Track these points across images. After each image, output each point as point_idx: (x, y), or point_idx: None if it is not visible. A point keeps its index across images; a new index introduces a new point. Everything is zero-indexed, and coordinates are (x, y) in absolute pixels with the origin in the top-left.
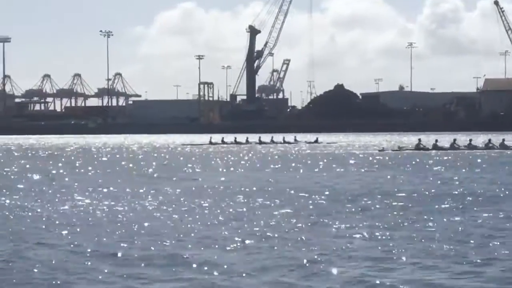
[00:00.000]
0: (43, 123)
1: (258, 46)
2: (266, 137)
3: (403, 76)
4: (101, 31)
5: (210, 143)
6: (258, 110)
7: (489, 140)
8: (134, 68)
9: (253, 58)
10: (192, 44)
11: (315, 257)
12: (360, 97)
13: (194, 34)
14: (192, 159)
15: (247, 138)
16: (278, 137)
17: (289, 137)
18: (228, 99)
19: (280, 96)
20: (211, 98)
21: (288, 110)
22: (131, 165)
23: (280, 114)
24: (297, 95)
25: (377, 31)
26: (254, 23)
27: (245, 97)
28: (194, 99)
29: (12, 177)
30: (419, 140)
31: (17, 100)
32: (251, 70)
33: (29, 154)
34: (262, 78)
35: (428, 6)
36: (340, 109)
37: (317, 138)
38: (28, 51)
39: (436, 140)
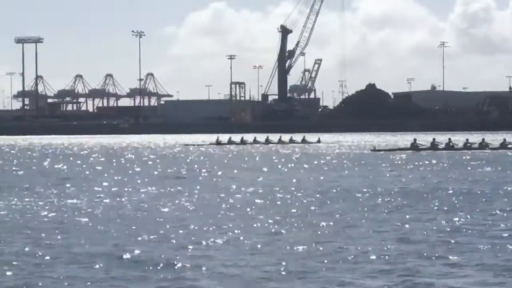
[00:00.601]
0: (75, 123)
1: (290, 46)
2: (288, 137)
3: (435, 76)
4: (133, 31)
5: (217, 143)
6: (289, 110)
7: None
8: (166, 68)
9: (284, 58)
10: (223, 44)
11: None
12: (392, 96)
13: (225, 34)
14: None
15: (255, 137)
16: (287, 137)
17: (311, 137)
18: (260, 99)
19: (312, 96)
20: (242, 98)
21: (320, 110)
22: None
23: (311, 114)
24: (329, 94)
25: (408, 30)
26: (286, 22)
27: (276, 97)
28: (226, 99)
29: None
30: (415, 140)
31: (49, 100)
32: (282, 70)
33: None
34: (293, 78)
35: (459, 5)
36: (372, 109)
37: (319, 138)
38: (60, 52)
39: (434, 139)
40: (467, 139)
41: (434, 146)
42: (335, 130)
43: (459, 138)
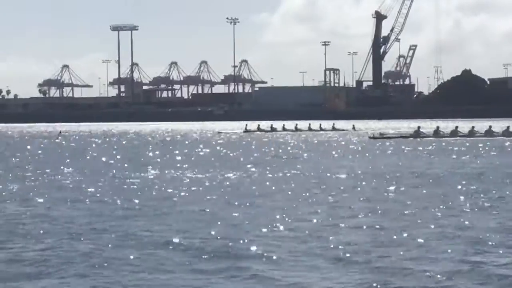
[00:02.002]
0: (170, 110)
1: (384, 32)
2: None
3: None
4: (227, 18)
5: (246, 130)
6: (384, 96)
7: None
8: (260, 55)
9: (379, 44)
10: (316, 31)
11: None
12: (488, 82)
13: (318, 21)
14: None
15: (283, 125)
16: (315, 124)
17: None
18: (354, 85)
19: (407, 82)
20: (337, 85)
21: (415, 96)
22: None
23: (406, 100)
24: (424, 81)
25: (503, 16)
26: (380, 8)
27: (371, 83)
28: (320, 86)
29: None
30: (418, 127)
31: (144, 87)
32: (377, 56)
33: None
34: (388, 64)
35: None
36: (467, 95)
37: (353, 126)
38: (155, 39)
39: (438, 127)
40: (456, 126)
41: (436, 133)
42: (429, 116)
43: None
